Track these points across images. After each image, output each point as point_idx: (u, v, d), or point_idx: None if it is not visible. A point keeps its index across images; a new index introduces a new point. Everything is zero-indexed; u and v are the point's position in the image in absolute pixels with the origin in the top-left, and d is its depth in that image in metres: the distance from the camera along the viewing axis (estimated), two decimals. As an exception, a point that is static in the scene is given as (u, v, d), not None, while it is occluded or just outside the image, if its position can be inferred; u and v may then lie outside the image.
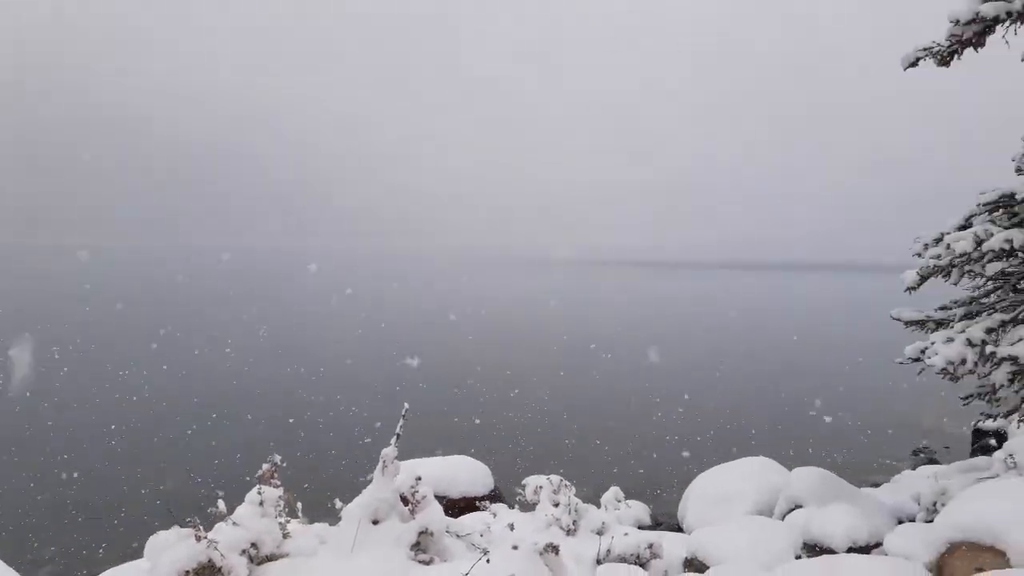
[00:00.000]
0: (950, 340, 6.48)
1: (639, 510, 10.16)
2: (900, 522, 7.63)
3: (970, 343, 6.41)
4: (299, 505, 6.28)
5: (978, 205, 6.81)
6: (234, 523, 5.55)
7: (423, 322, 41.42)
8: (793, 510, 8.15)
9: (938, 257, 6.59)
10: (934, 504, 7.74)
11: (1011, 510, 5.39)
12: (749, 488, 9.09)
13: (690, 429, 17.47)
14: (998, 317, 6.69)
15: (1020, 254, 6.30)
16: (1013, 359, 6.24)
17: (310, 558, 5.62)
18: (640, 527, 9.55)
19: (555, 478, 8.22)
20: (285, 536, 5.71)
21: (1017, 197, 6.72)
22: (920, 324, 7.62)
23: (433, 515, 5.51)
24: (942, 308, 7.68)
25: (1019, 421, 7.52)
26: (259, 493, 5.73)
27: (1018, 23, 6.25)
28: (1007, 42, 6.36)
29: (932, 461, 13.88)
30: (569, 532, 7.65)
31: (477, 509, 8.81)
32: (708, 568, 6.80)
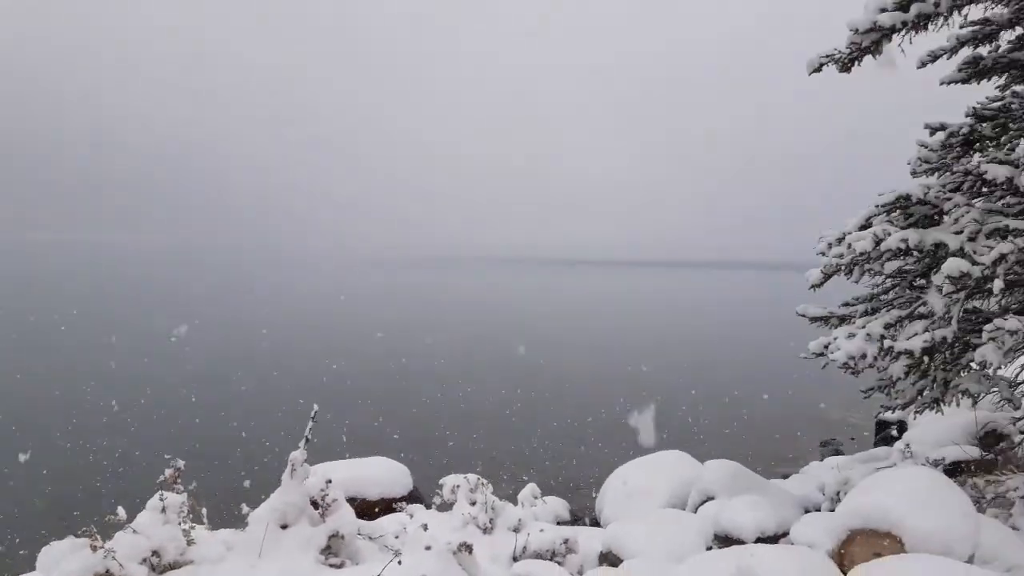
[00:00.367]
0: (851, 335, 6.73)
1: (558, 506, 10.24)
2: (807, 511, 7.89)
3: (870, 338, 6.67)
4: (204, 511, 6.08)
5: (876, 206, 7.10)
6: (134, 531, 5.35)
7: (341, 324, 40.68)
8: (705, 502, 8.35)
9: (840, 256, 6.84)
10: (837, 494, 8.05)
11: (906, 497, 5.64)
12: (664, 481, 9.28)
13: (609, 424, 17.73)
14: (896, 313, 6.99)
15: (916, 253, 6.59)
16: (909, 353, 6.53)
17: (216, 565, 5.46)
18: (559, 523, 9.61)
19: (472, 477, 8.19)
20: (189, 543, 5.53)
21: (912, 199, 7.03)
22: (824, 320, 7.90)
23: (344, 518, 5.43)
24: (845, 305, 7.98)
25: (915, 413, 7.88)
26: (161, 499, 5.54)
27: (913, 32, 6.55)
28: (903, 51, 6.68)
29: (839, 452, 14.46)
30: (486, 530, 7.63)
31: (395, 511, 8.71)
32: (622, 562, 6.90)
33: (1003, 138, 7.45)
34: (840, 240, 6.98)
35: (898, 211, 7.20)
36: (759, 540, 6.95)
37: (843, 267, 7.05)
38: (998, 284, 5.81)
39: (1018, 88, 7.42)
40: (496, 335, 35.96)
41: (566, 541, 7.19)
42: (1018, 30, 7.17)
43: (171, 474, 5.67)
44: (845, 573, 5.19)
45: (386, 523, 7.04)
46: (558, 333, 37.27)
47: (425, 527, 5.51)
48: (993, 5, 6.92)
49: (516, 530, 7.71)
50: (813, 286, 7.34)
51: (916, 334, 6.63)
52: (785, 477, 11.29)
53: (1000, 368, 6.51)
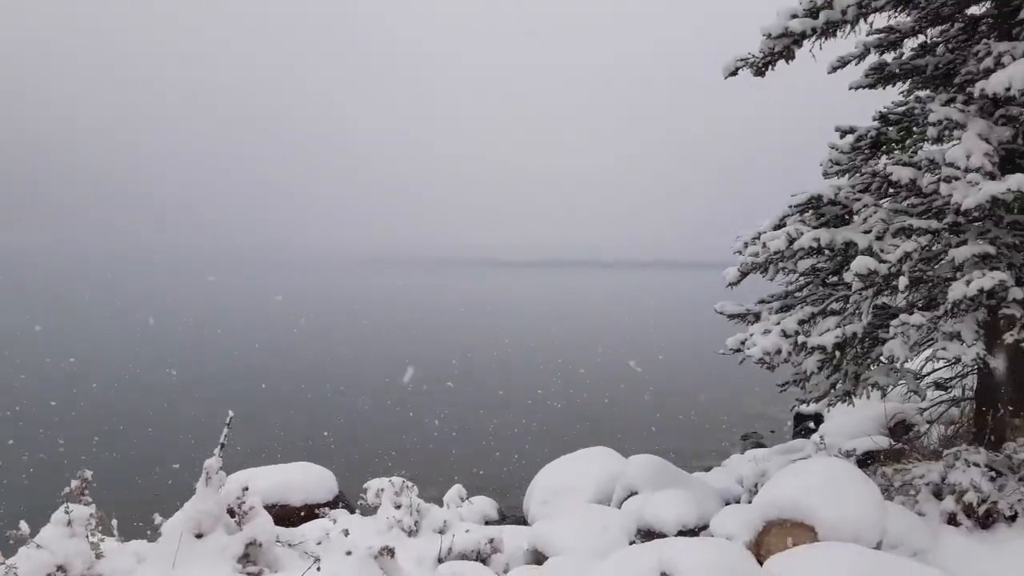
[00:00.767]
0: (767, 332, 6.93)
1: (486, 506, 10.22)
2: (727, 504, 8.07)
3: (785, 334, 6.88)
4: (114, 523, 5.83)
5: (790, 207, 7.34)
6: (38, 546, 5.10)
7: (266, 325, 39.74)
8: (629, 497, 8.46)
9: (756, 255, 7.03)
10: (755, 486, 8.27)
11: (818, 488, 5.85)
12: (589, 477, 9.36)
13: (537, 423, 17.84)
14: (809, 310, 7.23)
15: (827, 251, 6.82)
16: (821, 348, 6.76)
17: (126, 578, 5.25)
18: (488, 522, 9.60)
19: (397, 480, 8.10)
20: (98, 557, 5.31)
21: (824, 199, 7.29)
22: (741, 317, 8.12)
23: (262, 525, 5.28)
24: (761, 302, 8.21)
25: (828, 406, 8.17)
26: (67, 512, 5.28)
27: (823, 38, 6.79)
28: (814, 56, 6.92)
29: (759, 445, 14.86)
30: (411, 533, 7.56)
31: (319, 517, 8.52)
32: (548, 559, 6.93)
33: (907, 141, 7.81)
34: (756, 239, 7.18)
35: (811, 211, 7.45)
36: (681, 533, 7.07)
37: (759, 265, 7.26)
38: (903, 281, 6.06)
39: (921, 93, 7.78)
40: (437, 338, 35.70)
41: (491, 541, 7.18)
42: (920, 38, 7.51)
43: (77, 485, 5.41)
44: (762, 563, 5.33)
45: (308, 529, 6.88)
46: (499, 336, 37.14)
47: (347, 532, 5.42)
48: (897, 14, 7.22)
49: (442, 532, 7.66)
50: (730, 284, 7.54)
51: (828, 330, 6.86)
52: (707, 470, 11.55)
53: (907, 361, 6.79)
